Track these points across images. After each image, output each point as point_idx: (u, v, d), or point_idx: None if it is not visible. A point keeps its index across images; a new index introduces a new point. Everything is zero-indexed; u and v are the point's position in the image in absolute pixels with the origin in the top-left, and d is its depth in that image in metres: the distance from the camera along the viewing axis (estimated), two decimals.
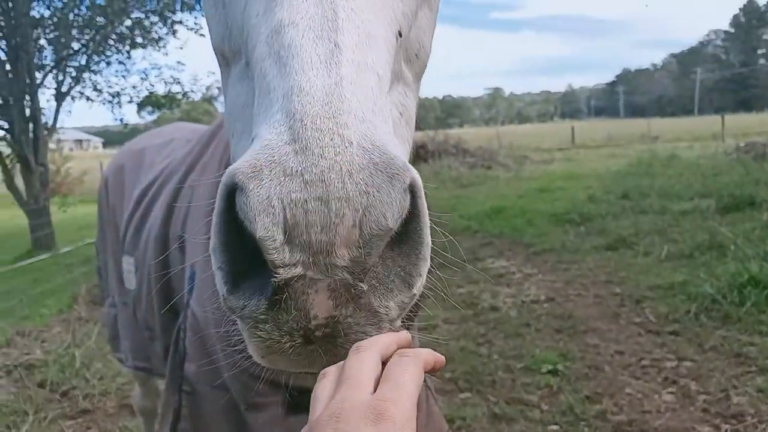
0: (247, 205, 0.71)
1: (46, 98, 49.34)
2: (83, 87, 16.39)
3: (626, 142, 35.23)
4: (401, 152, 0.79)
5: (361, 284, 0.74)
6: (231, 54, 1.06)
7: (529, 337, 5.98)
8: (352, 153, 0.73)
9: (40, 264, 11.26)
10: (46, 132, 14.96)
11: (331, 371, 0.76)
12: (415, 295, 0.80)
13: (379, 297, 0.76)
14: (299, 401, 1.64)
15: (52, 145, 20.60)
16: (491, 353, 5.71)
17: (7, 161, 14.35)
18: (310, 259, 0.71)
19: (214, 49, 1.15)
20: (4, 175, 14.31)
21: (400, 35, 1.01)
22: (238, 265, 0.77)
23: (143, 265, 2.18)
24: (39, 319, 7.53)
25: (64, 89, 15.64)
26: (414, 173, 0.77)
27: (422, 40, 1.13)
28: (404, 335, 0.82)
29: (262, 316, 0.74)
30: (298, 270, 0.71)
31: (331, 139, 0.73)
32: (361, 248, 0.72)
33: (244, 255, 0.76)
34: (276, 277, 0.71)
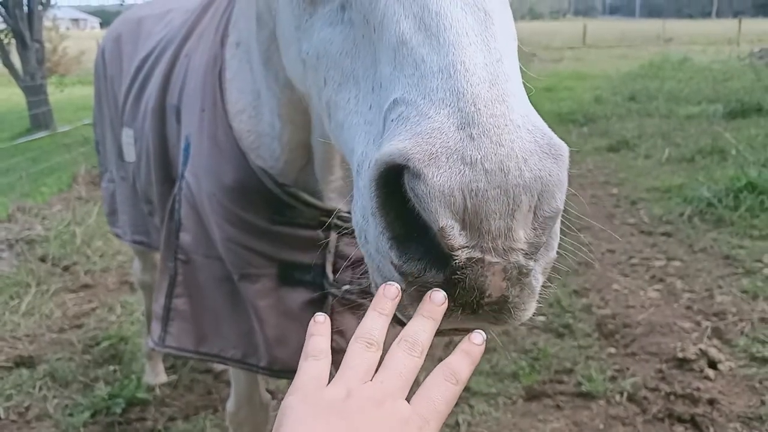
0: (427, 194, 0.70)
1: None
2: None
3: (639, 43, 34.20)
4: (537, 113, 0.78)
5: (531, 263, 0.75)
6: None
7: None
8: (523, 138, 0.72)
9: (39, 143, 11.23)
10: (41, 6, 14.45)
11: (367, 339, 0.78)
12: (554, 257, 0.82)
13: (537, 267, 0.78)
14: (291, 274, 1.68)
15: (47, 23, 19.98)
16: None
17: (2, 36, 13.96)
18: (490, 245, 0.71)
19: None
20: (0, 51, 13.96)
21: None
22: (400, 229, 0.76)
23: (142, 137, 2.16)
24: (39, 196, 7.60)
25: None
26: (566, 147, 0.77)
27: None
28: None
29: (438, 287, 0.75)
30: (477, 253, 0.71)
31: (506, 125, 0.71)
32: (536, 230, 0.73)
33: (405, 217, 0.76)
34: (456, 258, 0.71)
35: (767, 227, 5.53)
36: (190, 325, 1.78)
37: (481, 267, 0.73)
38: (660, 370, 3.61)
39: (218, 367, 3.71)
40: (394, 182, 0.75)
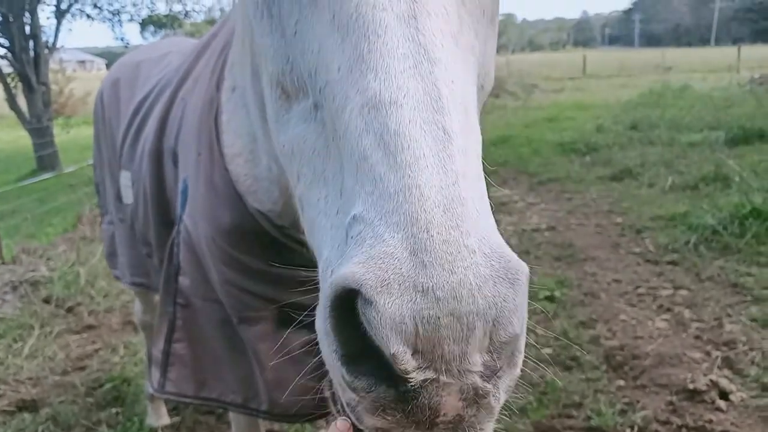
0: (378, 322, 0.71)
1: (45, 15, 48.39)
2: (83, 4, 16.04)
3: (639, 72, 34.51)
4: (497, 232, 0.79)
5: (488, 385, 0.76)
6: (293, 89, 0.98)
7: (528, 265, 5.94)
8: (477, 263, 0.72)
9: (45, 184, 11.31)
10: (47, 50, 14.73)
11: None
12: (518, 374, 0.82)
13: (495, 389, 0.78)
14: (290, 316, 1.66)
15: (54, 65, 20.31)
16: None
17: (9, 79, 14.19)
18: (443, 367, 0.72)
19: (268, 75, 1.04)
20: (6, 94, 14.18)
21: (481, 87, 1.00)
22: (351, 347, 0.78)
23: (139, 179, 2.17)
24: (44, 237, 7.62)
25: (63, 6, 15.30)
26: (525, 268, 0.78)
27: (489, 70, 1.07)
28: None
29: (391, 404, 0.75)
30: (431, 373, 0.72)
31: (458, 252, 0.72)
32: (492, 353, 0.74)
33: (358, 337, 0.77)
34: (410, 381, 0.72)
35: None
36: (189, 371, 1.76)
37: (435, 386, 0.73)
38: (671, 402, 3.54)
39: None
40: (348, 304, 0.76)
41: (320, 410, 1.74)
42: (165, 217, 1.99)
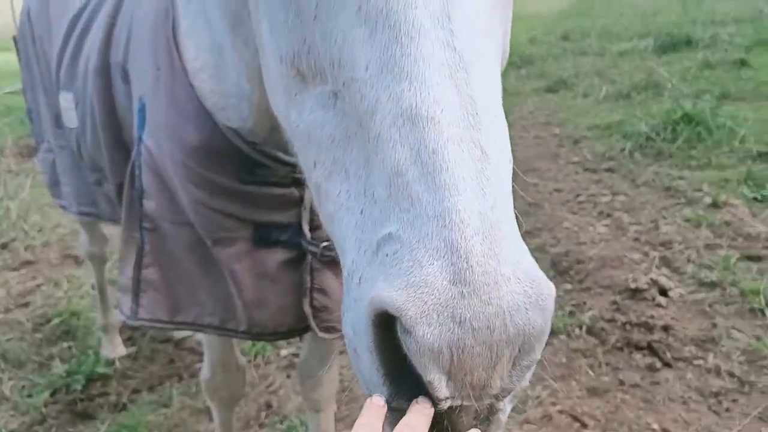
0: (417, 351, 0.73)
1: None
2: None
3: None
4: (527, 252, 0.81)
5: (500, 404, 0.81)
6: (309, 73, 0.91)
7: None
8: (512, 291, 0.74)
9: None
10: None
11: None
12: (527, 385, 0.85)
13: (504, 405, 0.83)
14: (266, 234, 1.63)
15: None
16: None
17: None
18: (469, 392, 0.76)
19: (279, 52, 0.96)
20: None
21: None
22: (392, 367, 0.80)
23: (84, 100, 2.02)
24: None
25: None
26: (553, 290, 0.80)
27: (507, 47, 1.02)
28: None
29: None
30: (458, 401, 0.77)
31: (495, 282, 0.73)
32: (512, 377, 0.78)
33: (398, 357, 0.79)
34: (439, 405, 0.76)
35: (705, 157, 5.73)
36: (162, 296, 1.71)
37: (458, 409, 0.79)
38: (615, 302, 3.73)
39: (178, 334, 3.63)
40: (387, 322, 0.77)
41: (299, 328, 1.74)
42: (118, 140, 1.88)
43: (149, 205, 1.65)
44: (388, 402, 0.81)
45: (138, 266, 1.69)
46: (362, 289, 0.81)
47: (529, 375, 0.83)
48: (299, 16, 0.90)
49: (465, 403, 0.77)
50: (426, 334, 0.72)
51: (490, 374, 0.75)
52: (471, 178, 0.76)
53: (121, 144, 1.87)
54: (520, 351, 0.77)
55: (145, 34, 1.65)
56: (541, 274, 0.79)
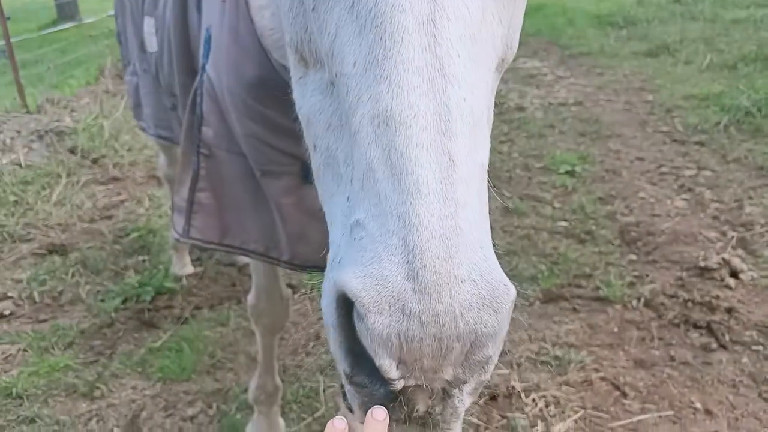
0: (368, 336, 0.79)
1: None
2: None
3: None
4: (492, 255, 0.83)
5: (454, 390, 0.85)
6: (310, 59, 0.96)
7: (552, 139, 5.96)
8: (464, 291, 0.77)
9: (65, 34, 11.12)
10: None
11: None
12: (487, 379, 0.88)
13: (460, 393, 0.86)
14: None
15: None
16: (511, 151, 5.73)
17: None
18: (421, 375, 0.81)
19: (288, 36, 1.02)
20: None
21: (502, 61, 0.97)
22: (354, 344, 0.85)
23: (163, 26, 2.10)
24: (67, 89, 7.61)
25: None
26: (512, 293, 0.82)
27: (513, 42, 1.00)
28: None
29: (377, 400, 0.85)
30: (411, 381, 0.82)
31: (447, 282, 0.76)
32: (464, 369, 0.82)
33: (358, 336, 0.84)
34: (392, 385, 0.82)
35: None
36: (213, 219, 1.79)
37: (413, 390, 0.83)
38: (680, 278, 3.62)
39: (242, 260, 3.81)
40: (350, 304, 0.82)
41: None
42: (190, 66, 1.95)
43: (207, 132, 1.72)
44: (348, 377, 0.87)
45: (193, 189, 1.78)
46: (335, 269, 0.86)
47: (489, 370, 0.87)
48: (302, 5, 0.94)
49: (417, 383, 0.82)
50: (376, 321, 0.77)
51: (440, 363, 0.80)
52: (435, 183, 0.79)
53: (192, 71, 1.94)
54: (472, 346, 0.80)
55: None
56: (501, 278, 0.82)
